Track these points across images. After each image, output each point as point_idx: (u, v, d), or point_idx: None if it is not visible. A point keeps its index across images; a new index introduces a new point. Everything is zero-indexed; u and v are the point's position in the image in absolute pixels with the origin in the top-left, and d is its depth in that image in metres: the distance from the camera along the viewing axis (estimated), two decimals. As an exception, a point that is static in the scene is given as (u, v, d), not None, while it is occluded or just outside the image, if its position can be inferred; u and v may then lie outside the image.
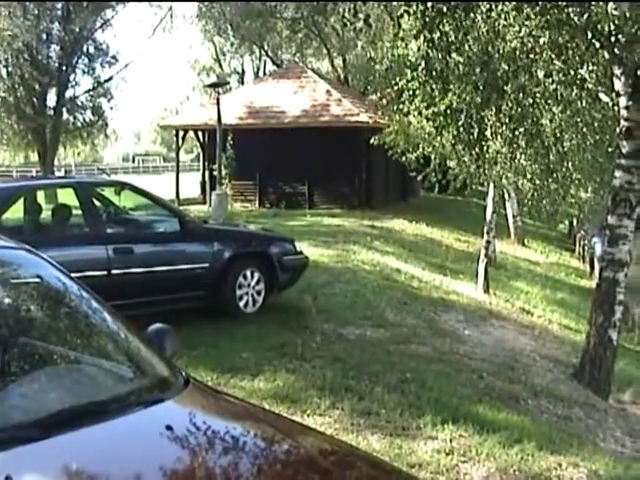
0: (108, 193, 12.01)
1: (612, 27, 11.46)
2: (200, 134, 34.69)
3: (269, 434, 3.63)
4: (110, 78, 39.54)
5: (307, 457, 3.46)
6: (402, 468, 5.90)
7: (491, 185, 21.65)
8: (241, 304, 11.61)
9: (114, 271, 10.37)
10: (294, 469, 3.37)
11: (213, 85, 32.50)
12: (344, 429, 7.57)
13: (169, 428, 3.27)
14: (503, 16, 12.94)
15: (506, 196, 29.47)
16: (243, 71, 60.91)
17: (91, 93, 39.45)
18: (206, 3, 45.39)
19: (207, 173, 33.18)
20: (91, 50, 38.35)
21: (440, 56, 12.51)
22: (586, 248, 36.24)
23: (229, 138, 29.97)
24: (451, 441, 7.45)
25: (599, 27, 11.59)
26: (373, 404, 8.35)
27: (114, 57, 39.31)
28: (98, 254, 10.33)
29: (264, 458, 3.40)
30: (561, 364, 14.30)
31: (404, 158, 22.97)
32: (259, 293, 11.81)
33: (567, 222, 41.13)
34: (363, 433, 7.50)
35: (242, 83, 53.60)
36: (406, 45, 14.16)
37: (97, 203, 11.32)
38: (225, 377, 8.85)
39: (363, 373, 9.52)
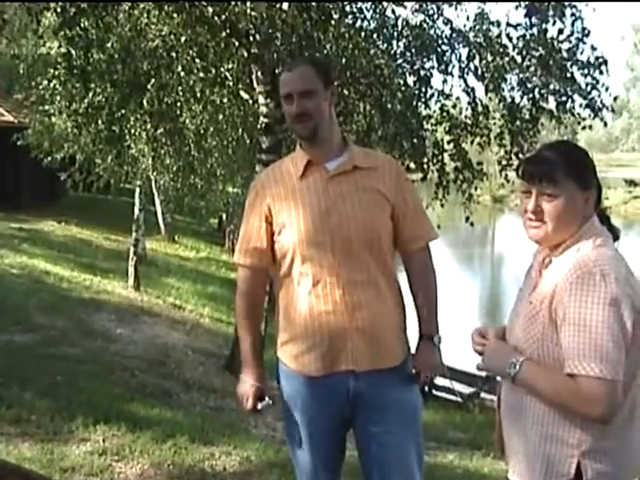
0: None
1: (250, 26, 11.85)
2: None
3: None
4: None
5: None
6: (53, 475, 5.83)
7: (138, 182, 21.70)
8: None
9: None
10: None
11: None
12: (-7, 439, 7.32)
13: None
14: (145, 14, 13.02)
15: (155, 193, 29.64)
16: None
17: None
18: None
19: None
20: None
21: (81, 54, 12.35)
22: (235, 242, 37.10)
23: None
24: (104, 441, 7.39)
25: (238, 26, 11.94)
26: (23, 411, 8.10)
27: None
28: None
29: None
30: (213, 356, 14.62)
31: (49, 158, 22.55)
32: None
33: (217, 217, 42.03)
34: (14, 442, 7.26)
35: None
36: (47, 43, 13.92)
37: None
38: None
39: (12, 379, 9.21)
